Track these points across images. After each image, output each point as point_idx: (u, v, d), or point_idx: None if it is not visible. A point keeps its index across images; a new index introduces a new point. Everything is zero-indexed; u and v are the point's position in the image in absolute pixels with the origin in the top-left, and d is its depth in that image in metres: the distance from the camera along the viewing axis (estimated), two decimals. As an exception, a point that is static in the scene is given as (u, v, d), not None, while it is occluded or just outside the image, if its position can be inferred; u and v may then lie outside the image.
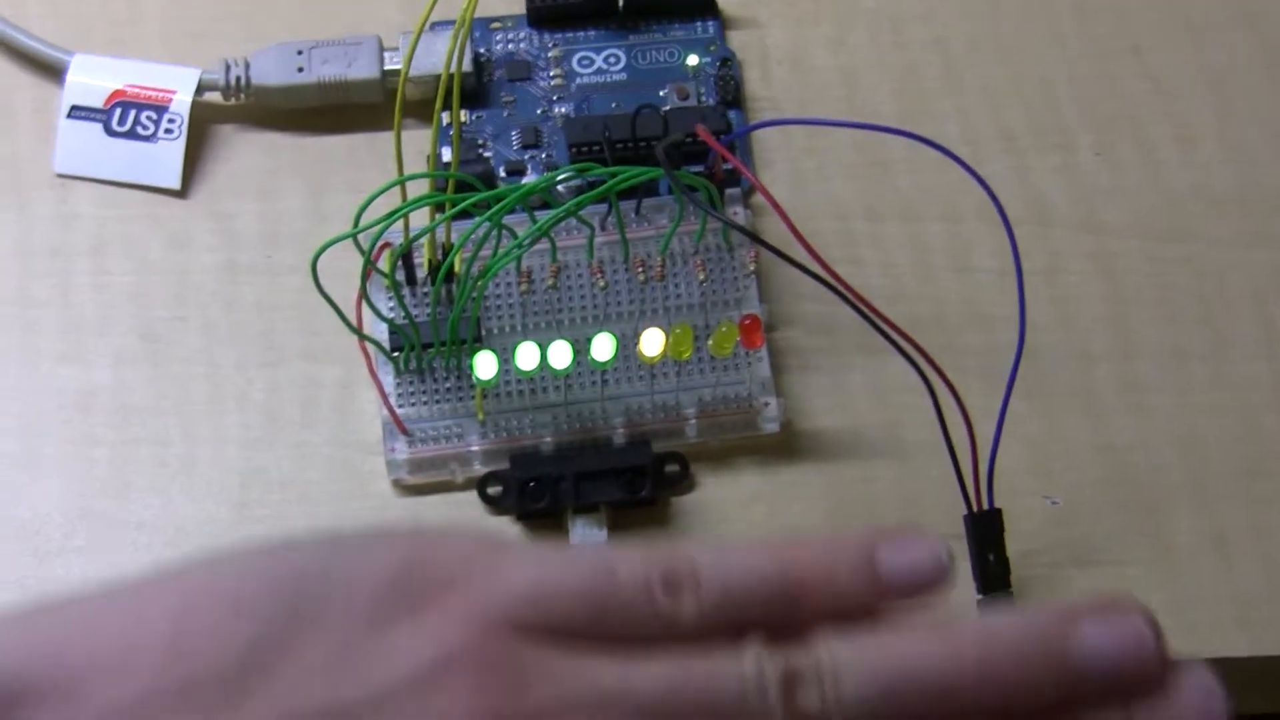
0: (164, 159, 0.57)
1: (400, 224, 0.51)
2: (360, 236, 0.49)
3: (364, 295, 0.51)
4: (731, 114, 0.58)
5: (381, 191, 0.48)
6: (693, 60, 0.59)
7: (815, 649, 0.34)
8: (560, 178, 0.51)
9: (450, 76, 0.49)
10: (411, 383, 0.53)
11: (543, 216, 0.52)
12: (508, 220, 0.50)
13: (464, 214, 0.51)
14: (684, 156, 0.54)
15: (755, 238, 0.48)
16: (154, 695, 0.32)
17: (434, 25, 0.57)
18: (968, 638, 0.34)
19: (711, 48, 0.59)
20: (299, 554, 0.34)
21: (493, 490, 0.53)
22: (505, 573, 0.34)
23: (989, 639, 0.34)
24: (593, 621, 0.34)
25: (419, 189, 0.52)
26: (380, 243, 0.51)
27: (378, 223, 0.49)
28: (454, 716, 0.32)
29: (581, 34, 0.59)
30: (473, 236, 0.50)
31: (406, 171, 0.50)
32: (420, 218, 0.52)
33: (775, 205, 0.48)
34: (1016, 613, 0.36)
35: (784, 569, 0.35)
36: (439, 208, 0.51)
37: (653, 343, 0.51)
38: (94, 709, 0.32)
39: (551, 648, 0.33)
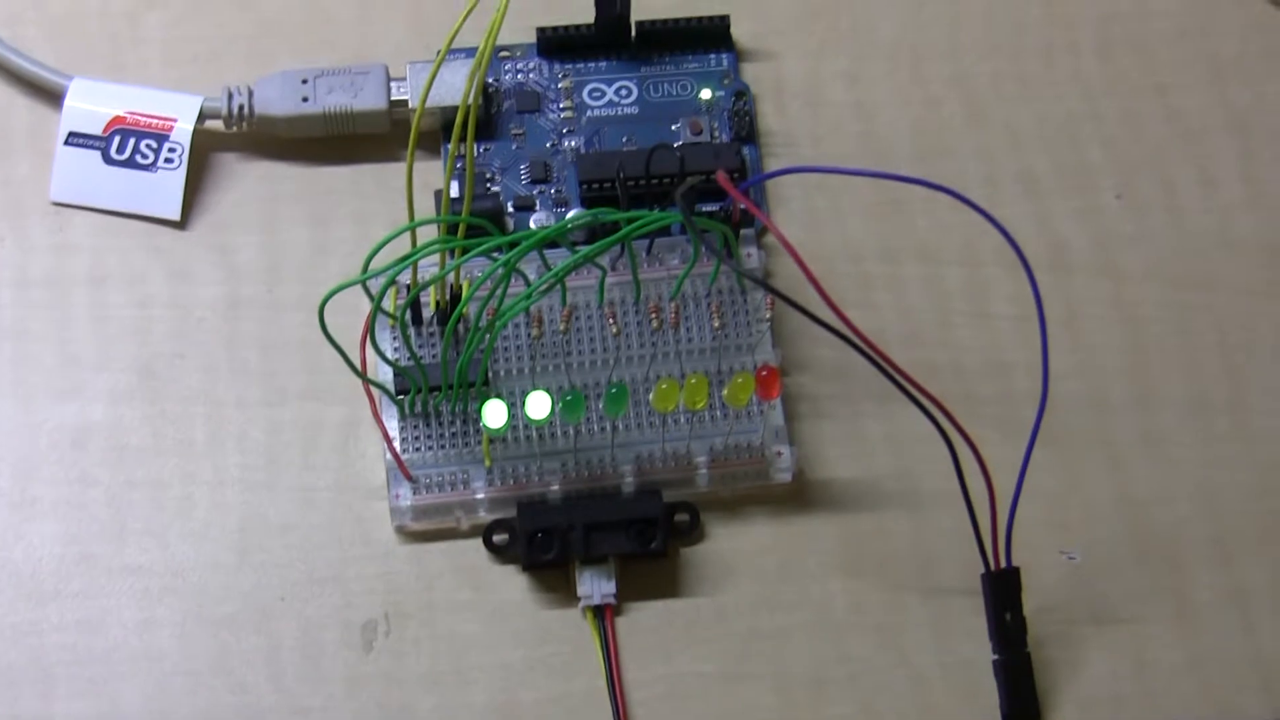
0: (164, 189, 0.55)
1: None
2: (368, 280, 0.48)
3: (372, 340, 0.49)
4: (746, 149, 0.56)
5: (392, 238, 0.47)
6: (706, 94, 0.57)
7: None
8: (575, 223, 0.50)
9: (463, 111, 0.47)
10: (417, 427, 0.52)
11: (553, 255, 0.51)
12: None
13: (474, 255, 0.49)
14: (698, 194, 0.53)
15: (772, 290, 0.46)
16: None
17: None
18: None
19: (725, 81, 0.58)
20: None
21: (499, 539, 0.51)
22: None
23: None
24: None
25: (428, 227, 0.51)
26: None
27: (387, 268, 0.47)
28: None
29: (592, 65, 0.58)
30: (485, 282, 0.49)
31: (414, 207, 0.49)
32: (430, 257, 0.51)
33: (797, 258, 0.46)
34: None
35: None
36: (450, 251, 0.50)
37: (667, 396, 0.50)
38: None
39: None
